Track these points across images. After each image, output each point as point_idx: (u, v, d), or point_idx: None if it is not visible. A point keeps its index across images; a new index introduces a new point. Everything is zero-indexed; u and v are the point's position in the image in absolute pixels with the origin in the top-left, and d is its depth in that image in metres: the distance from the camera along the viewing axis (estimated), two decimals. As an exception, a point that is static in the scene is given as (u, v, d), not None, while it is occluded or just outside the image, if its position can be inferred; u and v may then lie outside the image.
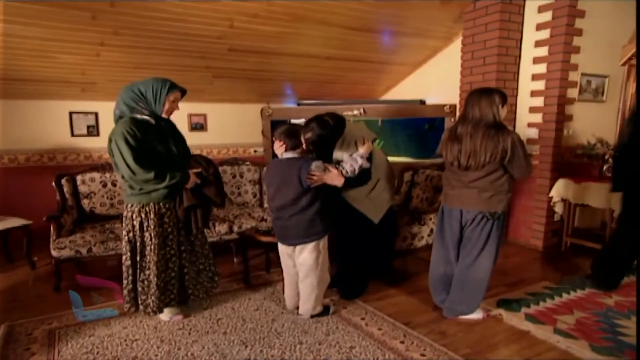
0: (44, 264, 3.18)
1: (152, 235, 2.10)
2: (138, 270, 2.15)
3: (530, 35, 3.48)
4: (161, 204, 2.13)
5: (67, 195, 3.15)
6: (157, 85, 2.12)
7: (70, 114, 3.86)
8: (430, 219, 3.02)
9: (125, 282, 2.17)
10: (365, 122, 3.67)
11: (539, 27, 3.40)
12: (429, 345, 2.00)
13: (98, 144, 4.01)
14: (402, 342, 2.03)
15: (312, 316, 2.25)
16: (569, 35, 3.26)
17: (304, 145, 2.25)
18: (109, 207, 3.35)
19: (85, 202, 3.28)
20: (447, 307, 2.27)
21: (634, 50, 3.60)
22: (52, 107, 3.78)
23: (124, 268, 2.17)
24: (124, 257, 2.16)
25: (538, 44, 3.43)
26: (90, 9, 2.70)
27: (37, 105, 3.72)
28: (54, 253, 2.64)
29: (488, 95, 2.08)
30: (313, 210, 2.14)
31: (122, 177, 2.09)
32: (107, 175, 3.37)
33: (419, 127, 4.53)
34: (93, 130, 3.98)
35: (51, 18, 2.73)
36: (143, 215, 2.10)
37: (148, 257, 2.13)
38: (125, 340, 2.05)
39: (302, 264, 2.21)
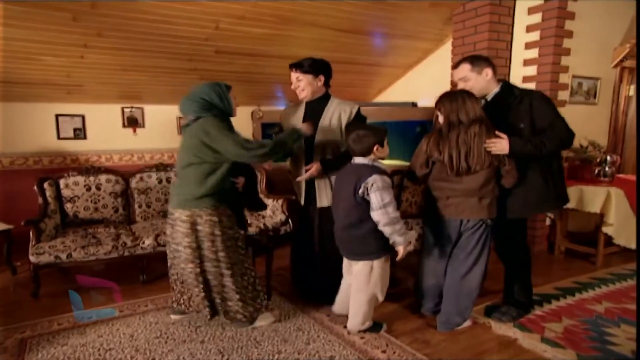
0: (26, 269, 3.11)
1: (220, 238, 2.06)
2: (211, 278, 2.09)
3: (520, 37, 3.44)
4: (227, 205, 2.11)
5: (50, 199, 3.09)
6: (218, 89, 2.07)
7: (57, 116, 3.81)
8: (418, 224, 2.96)
9: (196, 290, 2.09)
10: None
11: (529, 29, 3.36)
12: (411, 355, 1.94)
13: (85, 147, 3.97)
14: (384, 352, 1.97)
15: (359, 331, 2.13)
16: (559, 37, 3.22)
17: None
18: (93, 211, 3.29)
19: (68, 206, 3.22)
20: (443, 321, 2.16)
21: (626, 52, 3.57)
22: (38, 110, 3.74)
23: (192, 276, 2.07)
24: (191, 266, 2.06)
25: (528, 45, 3.39)
26: (70, 10, 2.66)
27: (22, 108, 3.68)
28: (32, 259, 2.58)
29: (473, 95, 2.01)
30: (365, 228, 1.97)
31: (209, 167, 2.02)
32: (92, 178, 3.31)
33: (410, 130, 4.48)
34: (80, 133, 3.93)
35: (32, 19, 2.69)
36: (215, 219, 2.04)
37: (223, 263, 2.07)
38: (98, 350, 1.99)
39: (355, 275, 2.10)
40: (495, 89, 2.14)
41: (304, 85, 2.30)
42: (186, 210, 2.03)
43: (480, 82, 2.11)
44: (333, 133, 2.31)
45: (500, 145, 1.95)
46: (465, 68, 2.12)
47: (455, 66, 2.19)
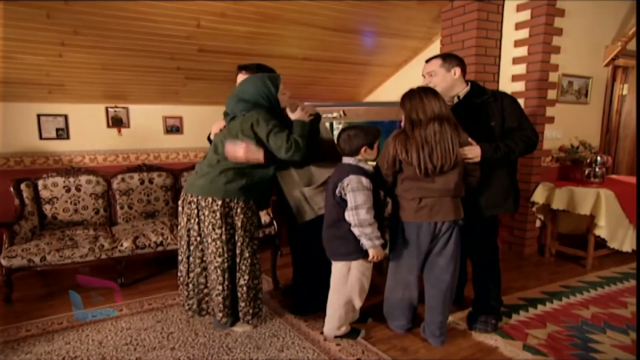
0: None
1: (248, 234, 2.03)
2: (238, 274, 2.05)
3: (509, 34, 3.37)
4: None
5: (27, 201, 3.03)
6: (264, 89, 2.02)
7: (38, 116, 3.74)
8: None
9: (218, 288, 2.01)
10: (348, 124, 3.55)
11: (518, 26, 3.29)
12: (387, 363, 1.87)
13: (68, 148, 3.89)
14: (359, 359, 1.90)
15: (336, 337, 2.08)
16: (548, 35, 3.15)
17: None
18: (73, 213, 3.23)
19: (47, 208, 3.15)
20: (438, 335, 2.02)
21: (617, 50, 3.50)
22: (19, 110, 3.66)
23: (219, 272, 1.99)
24: (219, 260, 1.98)
25: (517, 43, 3.32)
26: (44, 7, 2.59)
27: (2, 108, 3.60)
28: (3, 262, 2.51)
29: (433, 92, 1.92)
30: (344, 228, 1.93)
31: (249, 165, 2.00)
32: (71, 179, 3.26)
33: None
34: (62, 134, 3.86)
35: (7, 16, 2.62)
36: (248, 212, 1.99)
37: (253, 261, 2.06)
38: (63, 358, 1.92)
39: (333, 275, 2.06)
40: (464, 88, 2.12)
41: None
42: (218, 198, 1.95)
43: (447, 80, 2.07)
44: None
45: (474, 152, 1.93)
46: (436, 63, 2.09)
47: (427, 60, 2.16)
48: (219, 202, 1.95)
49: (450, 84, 2.08)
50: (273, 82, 2.04)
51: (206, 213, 1.97)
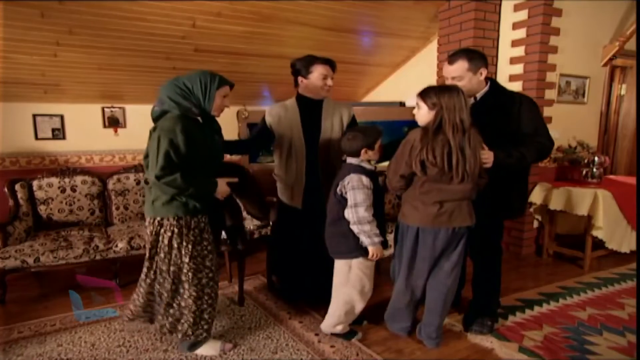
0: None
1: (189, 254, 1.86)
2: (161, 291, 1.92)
3: (506, 34, 3.36)
4: (199, 217, 1.88)
5: (22, 202, 3.02)
6: (205, 79, 1.86)
7: (34, 116, 3.72)
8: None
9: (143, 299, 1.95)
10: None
11: (515, 26, 3.28)
12: (381, 365, 1.86)
13: (64, 148, 3.87)
14: (353, 362, 1.89)
15: (332, 334, 2.10)
16: (545, 35, 3.14)
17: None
18: (68, 214, 3.21)
19: (42, 208, 3.14)
20: (434, 337, 2.00)
21: (615, 50, 3.49)
22: (14, 110, 3.64)
23: (145, 287, 1.93)
24: (151, 275, 1.92)
25: (515, 43, 3.31)
26: (38, 6, 2.58)
27: (-3, 108, 3.59)
28: (-4, 263, 2.50)
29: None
30: (344, 226, 1.95)
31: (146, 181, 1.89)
32: (66, 180, 3.24)
33: (398, 130, 4.39)
34: (59, 134, 3.83)
35: (1, 16, 2.61)
36: (176, 230, 1.83)
37: (184, 279, 1.88)
38: (55, 360, 1.92)
39: (335, 273, 2.09)
40: (484, 88, 2.02)
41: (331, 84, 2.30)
42: (151, 217, 1.89)
43: (473, 82, 1.97)
44: (336, 134, 2.29)
45: (487, 157, 1.87)
46: (462, 67, 1.94)
47: (451, 62, 1.98)
48: (151, 221, 1.88)
49: (475, 86, 1.98)
50: (220, 80, 1.90)
51: (147, 232, 1.91)
